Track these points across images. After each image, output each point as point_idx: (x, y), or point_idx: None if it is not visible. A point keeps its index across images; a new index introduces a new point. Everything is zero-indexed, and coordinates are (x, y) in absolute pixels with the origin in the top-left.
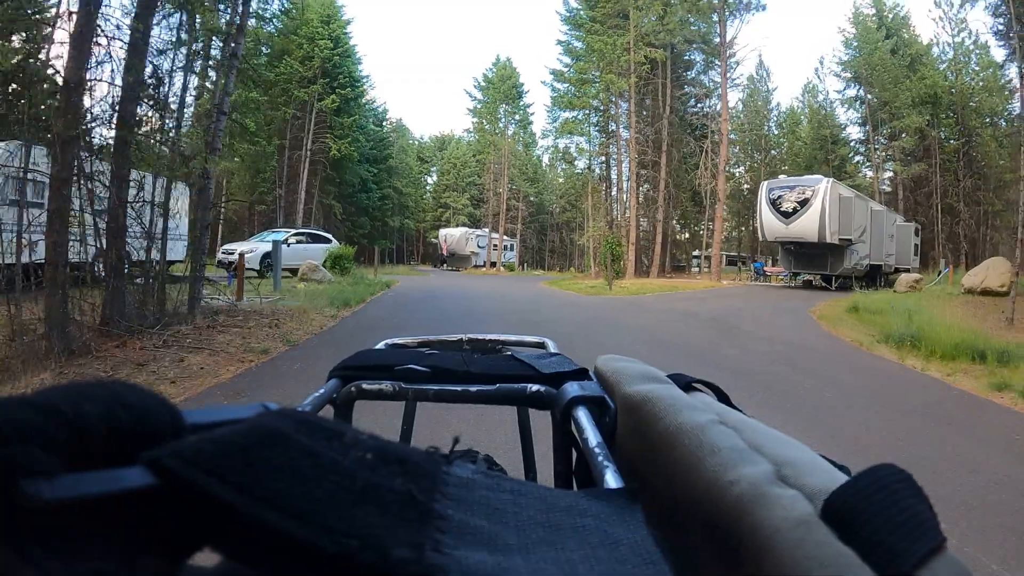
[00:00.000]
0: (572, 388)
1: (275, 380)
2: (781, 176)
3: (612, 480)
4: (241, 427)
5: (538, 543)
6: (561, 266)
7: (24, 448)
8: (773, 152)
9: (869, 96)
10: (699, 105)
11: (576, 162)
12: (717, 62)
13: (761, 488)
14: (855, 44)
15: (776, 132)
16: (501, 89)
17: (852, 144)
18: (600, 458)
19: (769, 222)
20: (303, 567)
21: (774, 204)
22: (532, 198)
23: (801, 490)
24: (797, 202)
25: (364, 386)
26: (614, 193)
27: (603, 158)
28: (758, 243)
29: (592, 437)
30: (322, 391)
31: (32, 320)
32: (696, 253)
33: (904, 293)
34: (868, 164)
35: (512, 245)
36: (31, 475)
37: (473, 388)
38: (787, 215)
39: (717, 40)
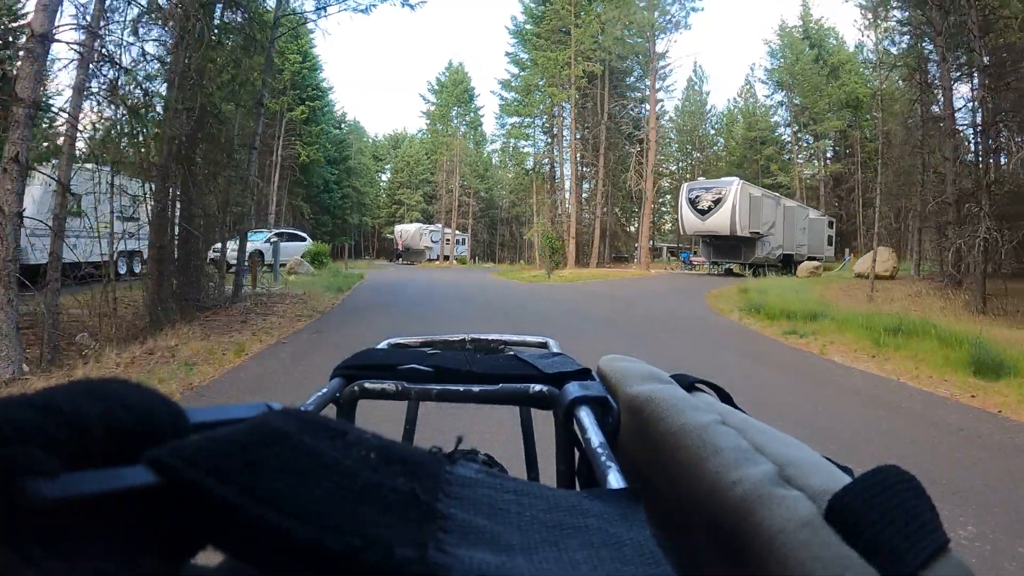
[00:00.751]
0: (574, 388)
1: (328, 326)
2: (700, 178)
3: (615, 480)
4: (243, 426)
5: (541, 543)
6: (511, 259)
7: (24, 448)
8: (710, 151)
9: (794, 101)
10: (636, 110)
11: (525, 162)
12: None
13: (764, 489)
14: (780, 55)
15: (713, 132)
16: (454, 93)
17: (779, 144)
18: (603, 458)
19: (688, 218)
20: (306, 566)
21: (692, 203)
22: (483, 194)
23: (804, 491)
24: (712, 201)
25: (367, 385)
26: (558, 192)
27: (547, 159)
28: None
29: (595, 437)
30: (325, 390)
31: (131, 299)
32: (638, 245)
33: (805, 278)
34: (794, 163)
35: (464, 239)
36: (31, 475)
37: (476, 388)
38: (703, 212)
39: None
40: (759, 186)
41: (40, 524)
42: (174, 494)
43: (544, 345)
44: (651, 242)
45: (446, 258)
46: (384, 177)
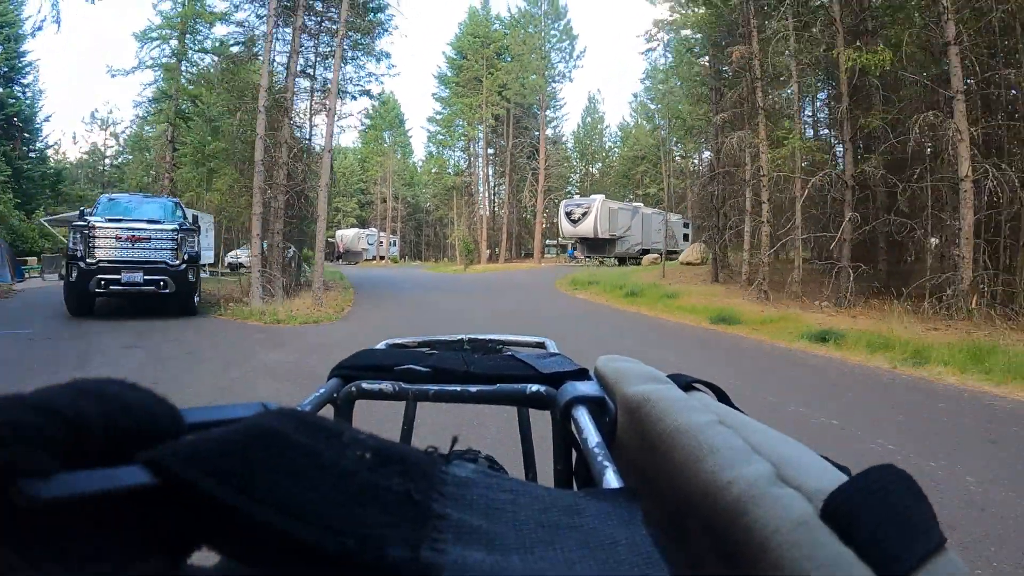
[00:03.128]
0: (572, 388)
1: (367, 291)
2: (575, 196)
3: (612, 480)
4: (240, 426)
5: (537, 543)
6: (436, 257)
7: (23, 448)
8: (606, 162)
9: (661, 124)
10: (535, 135)
11: (447, 182)
12: (550, 112)
13: (760, 488)
14: (652, 90)
15: (610, 145)
16: (386, 118)
17: (652, 161)
18: (600, 458)
19: (565, 226)
20: (301, 566)
21: (568, 215)
22: (410, 199)
23: (800, 490)
24: (581, 213)
25: (364, 386)
26: (474, 204)
27: (466, 177)
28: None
29: (592, 437)
30: (322, 391)
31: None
32: (547, 243)
33: (644, 266)
34: (664, 176)
35: (395, 241)
36: (30, 475)
37: (473, 388)
38: (575, 221)
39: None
40: (629, 198)
41: (38, 524)
42: (171, 494)
43: (542, 345)
44: (557, 240)
45: (381, 258)
46: None
